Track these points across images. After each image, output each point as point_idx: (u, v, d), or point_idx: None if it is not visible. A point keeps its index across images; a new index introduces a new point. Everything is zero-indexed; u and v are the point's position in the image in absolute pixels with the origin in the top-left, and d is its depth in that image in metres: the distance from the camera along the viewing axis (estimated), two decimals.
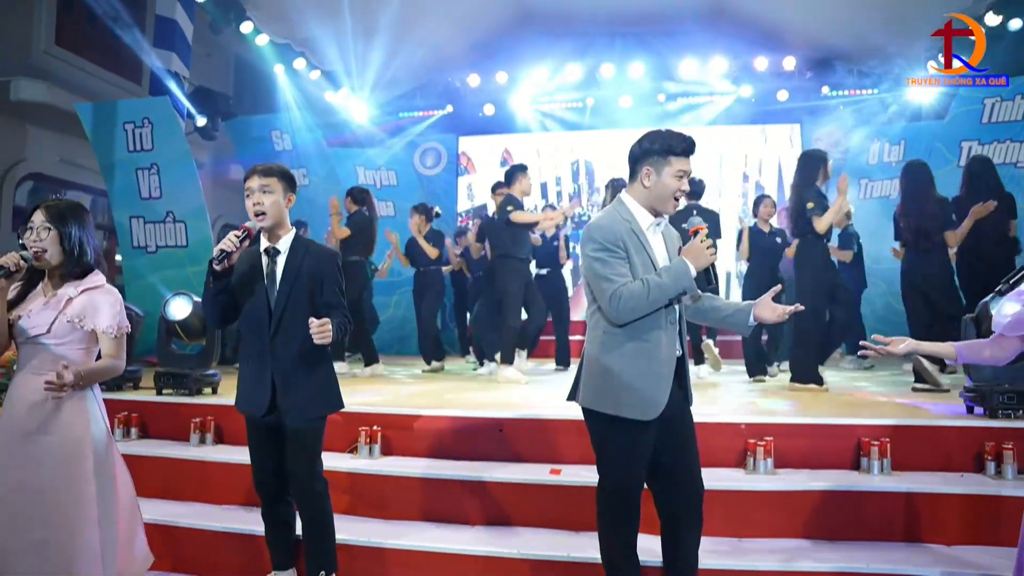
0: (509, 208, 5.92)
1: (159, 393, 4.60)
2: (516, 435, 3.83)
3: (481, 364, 6.95)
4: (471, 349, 7.93)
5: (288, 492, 3.06)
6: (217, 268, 2.80)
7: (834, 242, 7.69)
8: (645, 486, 2.64)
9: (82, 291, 2.61)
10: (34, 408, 2.51)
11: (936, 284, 5.32)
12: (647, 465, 2.56)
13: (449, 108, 11.78)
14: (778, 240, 6.48)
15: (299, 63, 9.80)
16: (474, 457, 3.81)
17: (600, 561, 2.68)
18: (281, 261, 2.92)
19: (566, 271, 7.85)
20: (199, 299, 4.53)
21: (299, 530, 3.10)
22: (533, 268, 6.95)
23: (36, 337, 2.55)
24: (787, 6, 9.89)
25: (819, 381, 5.14)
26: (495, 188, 6.82)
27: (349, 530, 3.28)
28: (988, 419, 3.65)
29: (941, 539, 3.11)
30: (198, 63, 9.55)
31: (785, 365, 6.49)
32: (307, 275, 2.90)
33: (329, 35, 9.44)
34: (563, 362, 7.13)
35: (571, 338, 7.38)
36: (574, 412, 3.84)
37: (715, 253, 2.47)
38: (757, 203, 6.68)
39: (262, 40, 9.13)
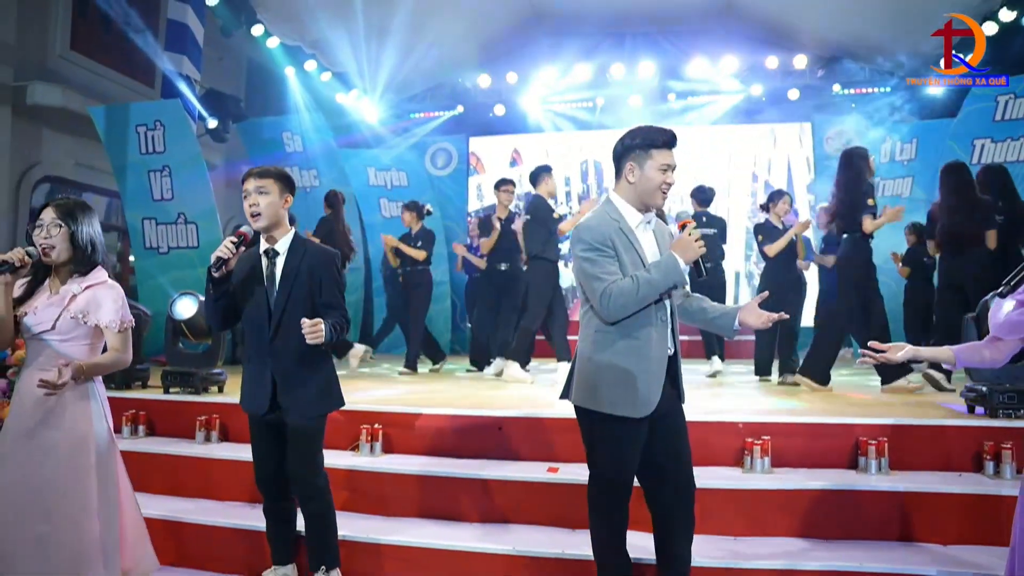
0: (556, 215, 6.01)
1: (166, 392, 4.68)
2: (514, 433, 3.86)
3: (480, 369, 6.92)
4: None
5: (289, 489, 3.11)
6: (215, 275, 2.85)
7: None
8: (637, 484, 2.66)
9: (85, 287, 2.67)
10: (39, 404, 2.56)
11: (980, 286, 5.17)
12: (638, 462, 2.58)
13: (459, 109, 11.84)
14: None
15: (310, 65, 9.89)
16: (473, 455, 3.84)
17: (592, 558, 2.70)
18: (280, 262, 2.96)
19: None
20: (204, 298, 4.61)
21: (300, 526, 3.15)
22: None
23: (41, 334, 2.60)
24: (797, 4, 9.84)
25: (825, 381, 5.13)
26: (499, 185, 6.70)
27: (350, 526, 3.32)
28: (988, 419, 3.63)
29: (938, 539, 3.10)
30: (210, 66, 9.65)
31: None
32: (306, 276, 2.94)
33: (340, 37, 9.51)
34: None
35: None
36: (571, 411, 3.89)
37: (704, 246, 2.47)
38: (774, 198, 6.40)
39: (273, 43, 9.22)
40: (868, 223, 5.04)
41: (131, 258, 8.51)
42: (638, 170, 2.54)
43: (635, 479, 2.64)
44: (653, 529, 2.69)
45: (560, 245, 6.26)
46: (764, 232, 6.06)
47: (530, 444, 3.82)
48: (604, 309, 2.46)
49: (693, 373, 6.76)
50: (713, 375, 6.50)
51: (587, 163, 11.31)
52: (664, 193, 2.56)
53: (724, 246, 7.10)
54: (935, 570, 2.77)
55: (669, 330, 2.59)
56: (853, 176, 5.18)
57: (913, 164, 9.27)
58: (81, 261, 2.69)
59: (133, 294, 7.92)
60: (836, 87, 10.32)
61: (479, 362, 7.05)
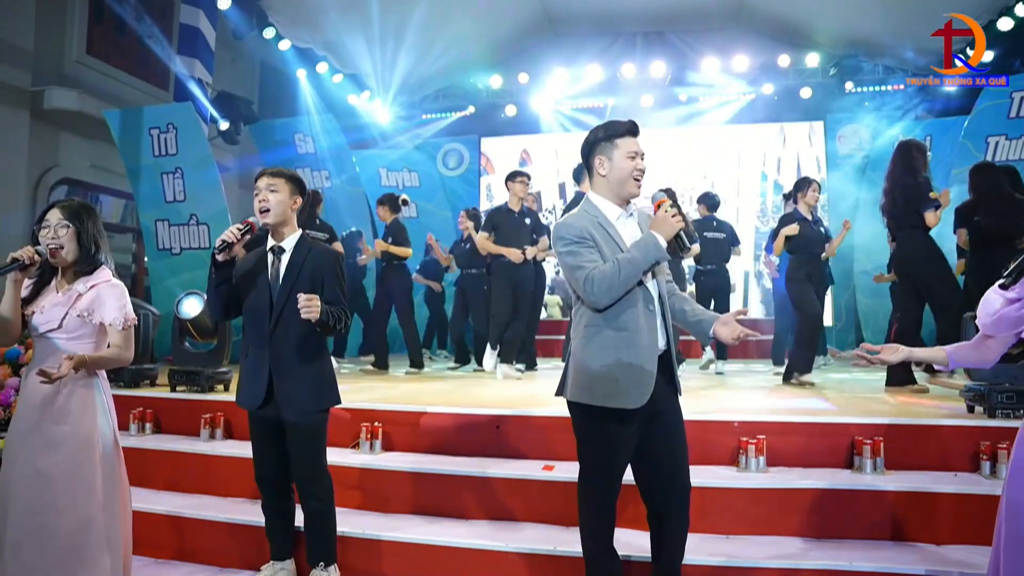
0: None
1: (173, 390, 4.76)
2: (512, 432, 3.88)
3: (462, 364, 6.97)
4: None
5: (289, 486, 3.16)
6: (219, 258, 2.91)
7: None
8: (634, 481, 2.67)
9: (91, 286, 2.73)
10: (46, 400, 2.63)
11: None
12: (628, 458, 2.58)
13: (471, 109, 11.91)
14: (822, 230, 6.13)
15: (321, 67, 9.99)
16: (471, 453, 3.88)
17: (577, 555, 2.72)
18: (285, 259, 3.04)
19: None
20: None
21: (298, 522, 3.21)
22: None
23: (49, 332, 2.67)
24: (809, 2, 9.79)
25: (912, 380, 4.99)
26: (514, 176, 6.33)
27: (350, 523, 3.37)
28: (987, 419, 3.61)
29: (931, 538, 3.09)
30: (224, 69, 9.79)
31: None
32: (309, 273, 3.01)
33: (352, 39, 9.60)
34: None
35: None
36: (567, 409, 3.91)
37: (681, 220, 2.46)
38: (802, 186, 5.95)
39: (284, 45, 9.32)
40: (932, 217, 4.80)
41: (146, 259, 8.65)
42: (607, 162, 2.57)
43: (632, 476, 2.65)
44: (648, 526, 2.69)
45: None
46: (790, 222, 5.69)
47: (527, 442, 3.84)
48: (589, 295, 2.47)
49: (696, 372, 6.78)
50: (705, 365, 6.52)
51: None
52: (637, 181, 2.56)
53: (735, 248, 7.14)
54: (923, 569, 2.76)
55: (660, 322, 2.57)
56: (911, 169, 4.95)
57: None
58: (86, 261, 2.76)
59: (147, 295, 8.07)
60: (849, 85, 10.25)
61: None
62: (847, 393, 4.95)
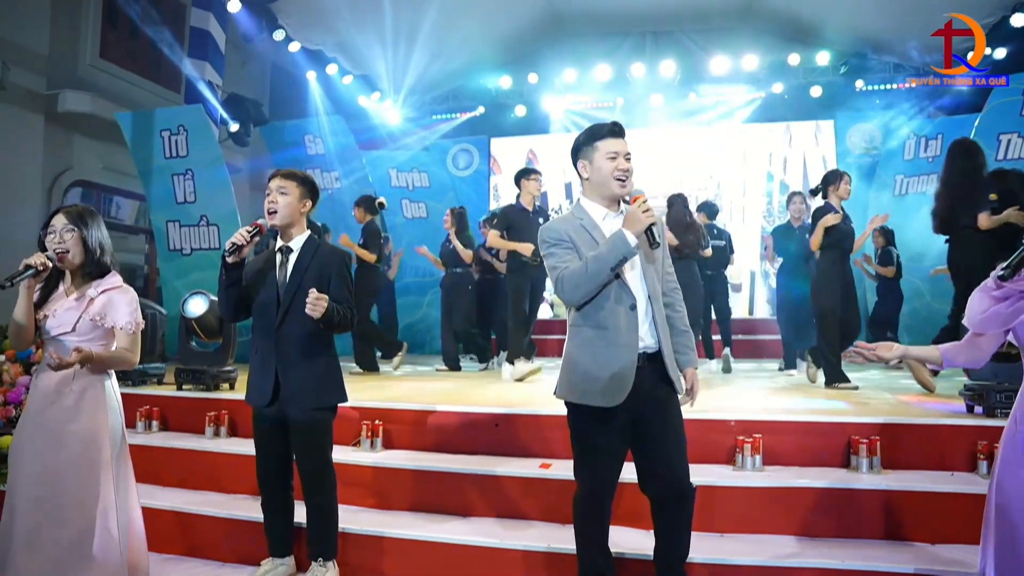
0: None
1: (179, 388, 4.82)
2: (511, 430, 3.92)
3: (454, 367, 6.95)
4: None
5: (289, 484, 3.21)
6: (229, 260, 2.98)
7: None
8: (631, 481, 2.68)
9: (102, 291, 2.82)
10: (58, 400, 2.71)
11: None
12: (616, 455, 2.59)
13: (481, 110, 11.93)
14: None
15: (331, 68, 10.06)
16: (471, 451, 3.91)
17: (573, 552, 2.74)
18: (292, 259, 3.10)
19: None
20: (215, 298, 4.75)
21: (298, 519, 3.26)
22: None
23: (62, 335, 2.74)
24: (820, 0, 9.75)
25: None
26: (528, 174, 6.17)
27: (350, 519, 3.41)
28: (985, 418, 3.59)
29: (926, 537, 3.09)
30: (235, 71, 9.90)
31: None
32: (315, 273, 3.07)
33: (362, 40, 9.67)
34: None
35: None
36: (563, 408, 3.94)
37: (653, 215, 2.45)
38: (834, 179, 5.68)
39: (294, 47, 9.41)
40: (984, 219, 4.61)
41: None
42: (589, 165, 2.61)
43: (635, 477, 2.66)
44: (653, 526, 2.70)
45: None
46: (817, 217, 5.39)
47: (525, 441, 3.87)
48: (561, 293, 2.55)
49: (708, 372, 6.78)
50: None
51: None
52: (619, 181, 2.55)
53: (732, 255, 7.42)
54: (914, 568, 2.76)
55: (648, 322, 2.56)
56: (971, 168, 4.79)
57: (938, 161, 9.10)
58: (92, 264, 2.83)
59: (159, 295, 8.18)
60: (859, 83, 10.18)
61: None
62: (846, 392, 4.94)
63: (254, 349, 3.18)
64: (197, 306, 4.75)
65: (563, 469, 3.50)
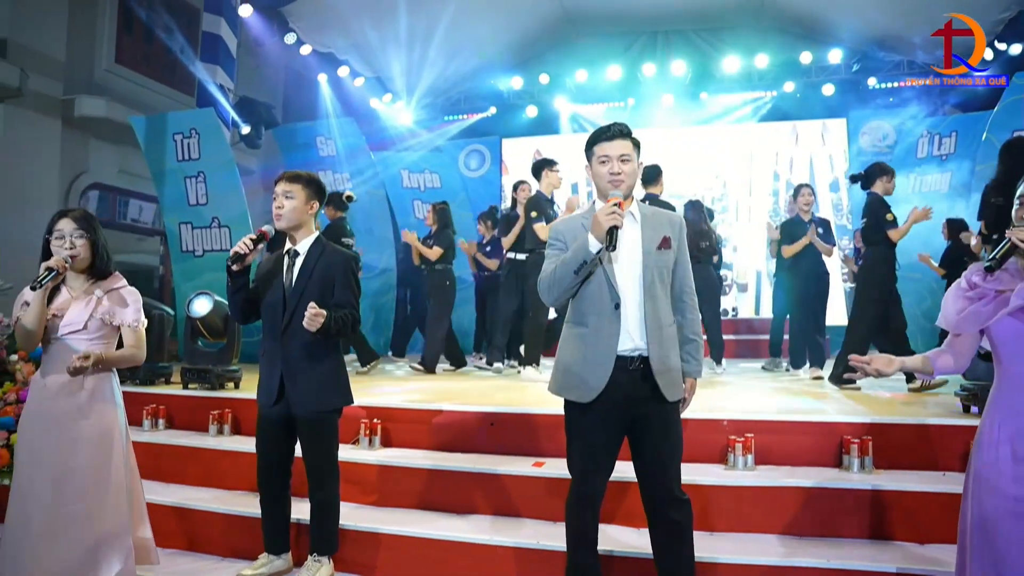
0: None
1: (185, 387, 4.92)
2: (506, 429, 3.95)
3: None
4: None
5: (288, 482, 3.28)
6: (233, 269, 3.06)
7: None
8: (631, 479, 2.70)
9: (108, 291, 2.96)
10: (70, 397, 2.85)
11: None
12: (601, 455, 2.58)
13: (492, 110, 11.99)
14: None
15: (343, 71, 10.16)
16: (467, 450, 3.95)
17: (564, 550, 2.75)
18: (299, 262, 3.16)
19: None
20: (220, 298, 4.85)
21: (295, 517, 3.33)
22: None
23: (72, 334, 2.87)
24: None
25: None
26: (552, 164, 6.24)
27: (347, 516, 3.44)
28: (980, 418, 3.56)
29: (916, 537, 3.08)
30: (249, 74, 10.04)
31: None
32: (320, 276, 3.12)
33: (373, 43, 9.76)
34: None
35: None
36: (557, 408, 3.97)
37: (616, 219, 2.42)
38: (880, 173, 5.61)
39: (305, 50, 9.52)
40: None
41: None
42: (590, 168, 2.66)
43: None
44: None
45: None
46: (888, 209, 5.22)
47: (520, 439, 3.91)
48: (540, 294, 2.64)
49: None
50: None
51: None
52: (612, 184, 2.56)
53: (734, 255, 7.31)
54: (896, 567, 2.76)
55: (638, 323, 2.54)
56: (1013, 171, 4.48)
57: (952, 158, 9.01)
58: (100, 266, 2.97)
59: (173, 296, 8.31)
60: (872, 81, 10.10)
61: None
62: (840, 393, 4.93)
63: (262, 350, 3.24)
64: (202, 306, 4.84)
65: (556, 468, 3.55)
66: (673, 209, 6.54)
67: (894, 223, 5.14)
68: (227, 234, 7.44)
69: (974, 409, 3.70)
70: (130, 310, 2.97)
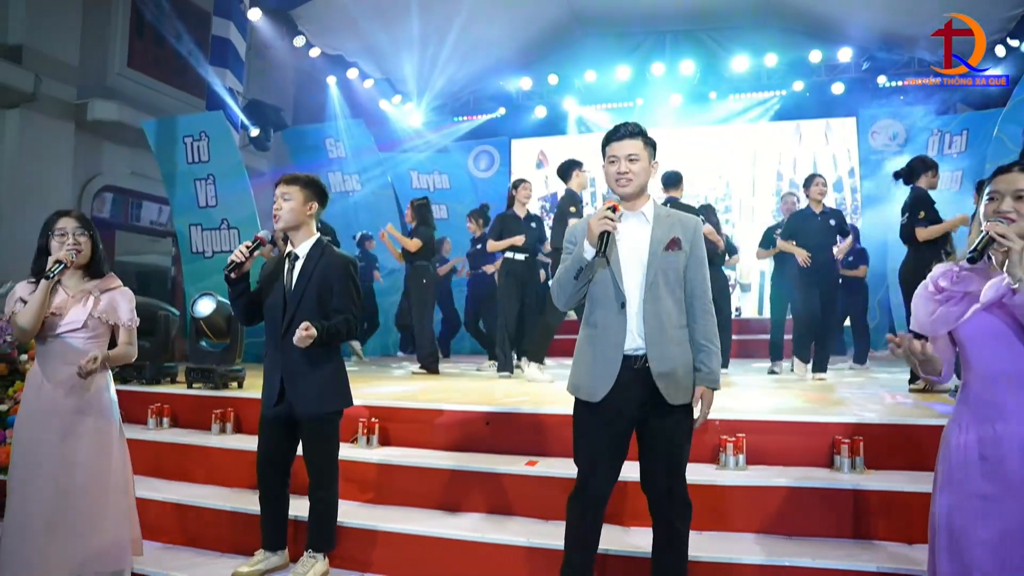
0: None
1: (189, 387, 5.00)
2: (502, 428, 3.99)
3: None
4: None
5: (286, 481, 3.32)
6: (231, 276, 3.12)
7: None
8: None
9: (104, 291, 3.08)
10: (72, 394, 2.97)
11: None
12: (604, 457, 2.58)
13: (501, 111, 12.03)
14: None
15: (352, 73, 10.24)
16: (463, 449, 4.00)
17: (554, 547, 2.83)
18: (299, 265, 3.20)
19: None
20: (223, 299, 4.92)
21: (292, 514, 3.38)
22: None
23: (72, 332, 2.98)
24: None
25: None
26: (579, 166, 6.09)
27: (345, 513, 3.49)
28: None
29: (903, 537, 3.08)
30: (259, 77, 10.15)
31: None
32: (318, 280, 3.16)
33: (382, 45, 9.84)
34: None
35: None
36: (553, 407, 4.01)
37: (608, 223, 2.44)
38: (924, 169, 5.45)
39: (314, 53, 9.62)
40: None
41: None
42: (603, 169, 2.68)
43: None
44: None
45: None
46: (926, 207, 5.03)
47: (515, 439, 3.94)
48: (552, 297, 2.69)
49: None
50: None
51: None
52: (619, 183, 2.59)
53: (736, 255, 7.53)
54: (880, 567, 2.77)
55: (639, 326, 2.53)
56: None
57: (963, 156, 8.93)
58: (97, 265, 3.09)
59: (183, 297, 8.44)
60: (882, 79, 10.03)
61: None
62: (835, 393, 4.92)
63: (265, 351, 3.31)
64: (205, 307, 4.93)
65: (549, 467, 3.59)
66: (697, 213, 6.49)
67: (924, 221, 4.98)
68: (236, 235, 7.55)
69: None
70: (125, 309, 3.09)
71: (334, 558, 3.39)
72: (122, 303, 3.10)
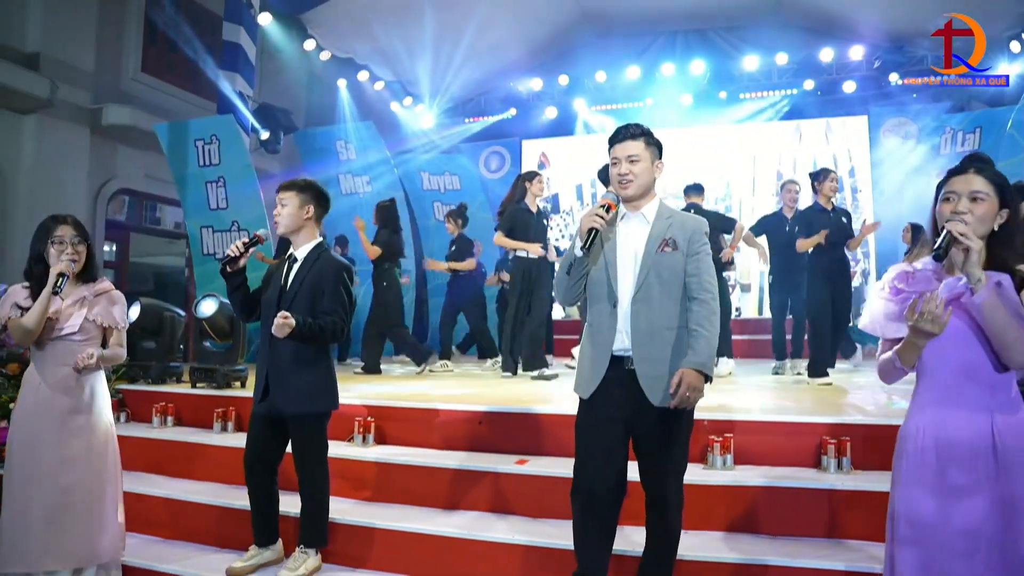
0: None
1: (193, 386, 5.10)
2: (494, 428, 4.04)
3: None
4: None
5: (273, 477, 3.39)
6: (227, 269, 3.21)
7: None
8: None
9: (97, 294, 3.21)
10: (70, 393, 3.11)
11: None
12: (601, 455, 2.58)
13: (512, 112, 12.06)
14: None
15: (362, 75, 10.33)
16: (458, 447, 4.04)
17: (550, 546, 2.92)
18: (296, 268, 3.29)
19: None
20: (226, 300, 5.01)
21: (283, 510, 3.45)
22: None
23: (70, 335, 3.11)
24: None
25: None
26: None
27: (340, 511, 3.56)
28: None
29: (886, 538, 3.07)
30: (270, 80, 10.27)
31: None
32: (311, 282, 3.24)
33: (393, 47, 9.91)
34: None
35: None
36: (544, 407, 4.05)
37: (596, 221, 2.48)
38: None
39: (325, 56, 9.72)
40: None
41: None
42: (610, 170, 2.70)
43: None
44: None
45: None
46: None
47: (508, 437, 3.98)
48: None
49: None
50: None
51: None
52: (620, 184, 2.61)
53: (737, 255, 7.35)
54: (855, 566, 2.78)
55: (627, 325, 2.55)
56: None
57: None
58: (92, 271, 3.24)
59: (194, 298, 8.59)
60: (893, 77, 9.94)
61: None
62: (833, 394, 4.91)
63: (258, 350, 3.40)
64: (208, 307, 5.02)
65: (540, 466, 3.63)
66: (717, 217, 6.40)
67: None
68: (246, 238, 7.62)
69: None
70: (118, 312, 3.24)
71: (329, 554, 3.45)
72: (115, 306, 3.25)
